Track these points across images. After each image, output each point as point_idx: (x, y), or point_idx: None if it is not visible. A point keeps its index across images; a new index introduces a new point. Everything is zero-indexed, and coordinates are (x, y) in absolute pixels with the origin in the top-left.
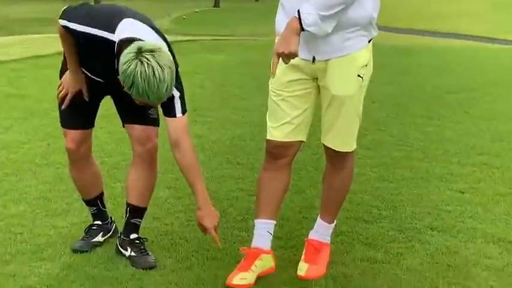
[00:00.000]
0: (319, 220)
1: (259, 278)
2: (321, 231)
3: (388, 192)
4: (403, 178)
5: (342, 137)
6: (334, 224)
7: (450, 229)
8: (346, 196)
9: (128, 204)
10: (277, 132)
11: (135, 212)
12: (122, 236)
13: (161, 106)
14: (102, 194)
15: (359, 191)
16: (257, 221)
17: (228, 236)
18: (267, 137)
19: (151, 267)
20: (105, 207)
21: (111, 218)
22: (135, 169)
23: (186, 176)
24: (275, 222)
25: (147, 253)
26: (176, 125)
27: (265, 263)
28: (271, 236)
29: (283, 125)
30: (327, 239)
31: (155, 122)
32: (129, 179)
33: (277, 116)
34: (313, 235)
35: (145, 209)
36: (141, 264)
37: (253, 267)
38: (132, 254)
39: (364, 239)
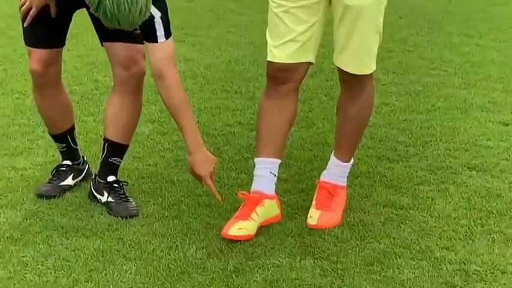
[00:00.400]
0: (333, 158)
1: (261, 229)
2: (336, 171)
3: (417, 126)
4: (436, 108)
5: (358, 57)
6: (351, 163)
7: (491, 168)
8: (366, 130)
9: (106, 141)
10: (279, 52)
11: (115, 149)
12: (97, 179)
13: (139, 29)
14: (73, 128)
15: (382, 125)
16: (258, 160)
17: (224, 178)
18: (268, 59)
19: (132, 216)
20: (76, 145)
21: (83, 157)
22: (116, 98)
23: (173, 117)
24: (280, 161)
25: (127, 199)
26: (158, 52)
27: (268, 210)
28: (275, 178)
29: (286, 43)
30: (343, 181)
31: (142, 39)
32: (108, 110)
33: (279, 32)
34: (326, 177)
35: (126, 146)
36: (119, 212)
37: (253, 215)
38: (110, 199)
39: (387, 181)
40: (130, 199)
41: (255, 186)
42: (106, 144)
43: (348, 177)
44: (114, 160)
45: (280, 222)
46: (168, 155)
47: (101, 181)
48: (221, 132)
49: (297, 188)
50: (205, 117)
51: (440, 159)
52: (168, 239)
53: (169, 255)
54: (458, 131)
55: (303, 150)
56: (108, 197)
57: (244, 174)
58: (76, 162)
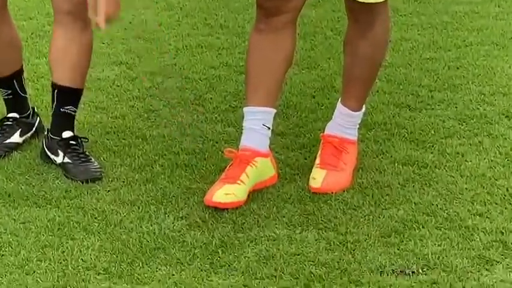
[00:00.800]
0: (340, 107)
1: (252, 194)
2: (344, 122)
3: (444, 65)
4: (467, 44)
5: None
6: (362, 111)
7: None
8: (380, 71)
9: (54, 86)
10: None
11: (65, 96)
12: (50, 135)
13: None
14: (20, 71)
15: (401, 65)
16: (248, 110)
17: (207, 133)
18: None
19: (93, 179)
20: (25, 93)
21: (33, 108)
22: (61, 31)
23: None
24: (275, 110)
25: (88, 159)
26: None
27: (261, 170)
28: (269, 132)
29: None
30: (353, 135)
31: None
32: (52, 47)
33: None
34: (332, 129)
35: (79, 91)
36: (78, 174)
37: (243, 177)
38: (66, 160)
39: (408, 134)
40: (92, 159)
41: (244, 142)
42: (55, 91)
43: (359, 129)
44: (67, 109)
45: (276, 185)
46: (139, 105)
47: (55, 137)
48: (203, 76)
49: (296, 143)
50: (184, 58)
51: (472, 106)
52: (139, 207)
53: (141, 227)
54: (494, 72)
55: (303, 97)
56: (64, 157)
57: (232, 128)
58: (24, 114)
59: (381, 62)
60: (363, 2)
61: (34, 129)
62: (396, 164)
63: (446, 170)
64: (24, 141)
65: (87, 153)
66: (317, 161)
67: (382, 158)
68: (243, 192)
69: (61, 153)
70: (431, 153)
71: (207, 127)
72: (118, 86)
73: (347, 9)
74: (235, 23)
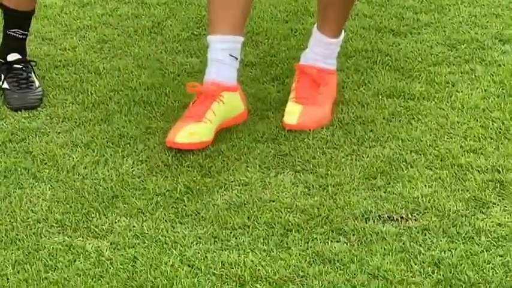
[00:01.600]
0: (316, 34)
1: (220, 133)
2: (321, 51)
3: None
4: None
5: None
6: (341, 38)
7: None
8: None
9: (3, 8)
10: None
11: (11, 17)
12: None
13: None
14: None
15: None
16: (212, 39)
17: (168, 64)
18: None
19: (29, 107)
20: None
21: None
22: None
23: None
24: (242, 38)
25: (29, 85)
26: None
27: (229, 106)
28: (237, 62)
29: None
30: (332, 64)
31: None
32: None
33: None
34: (308, 59)
35: (26, 13)
36: (13, 101)
37: (209, 114)
38: (5, 85)
39: (392, 62)
40: (35, 85)
41: (209, 75)
42: (3, 11)
43: (337, 57)
44: (14, 32)
45: (246, 122)
46: (90, 35)
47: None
48: (161, 0)
49: (268, 75)
50: None
51: (462, 30)
52: (93, 150)
53: (97, 173)
54: None
55: (275, 22)
56: (3, 82)
57: (195, 58)
58: None
59: None
60: None
61: None
62: (380, 96)
63: (435, 102)
64: None
65: (33, 78)
66: (292, 94)
67: (364, 89)
68: (210, 131)
69: (2, 78)
70: (419, 83)
71: (167, 58)
72: (67, 13)
73: None
74: None
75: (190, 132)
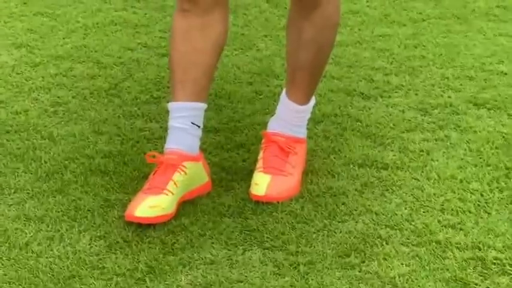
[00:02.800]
0: (285, 100)
1: (183, 205)
2: (291, 119)
3: (400, 44)
4: (424, 17)
5: None
6: (312, 104)
7: (508, 105)
8: (329, 56)
9: None
10: None
11: None
12: None
13: None
14: None
15: (350, 43)
16: (173, 106)
17: (126, 130)
18: None
19: None
20: None
21: None
22: None
23: None
24: (205, 105)
25: None
26: None
27: (191, 177)
28: (199, 130)
29: None
30: (302, 132)
31: None
32: None
33: None
34: (276, 126)
35: None
36: None
37: (170, 185)
38: None
39: (363, 128)
40: None
41: (170, 144)
42: None
43: (307, 124)
44: None
45: (210, 194)
46: (43, 97)
47: None
48: (119, 60)
49: (232, 142)
50: (96, 38)
51: (435, 93)
52: (48, 225)
53: (51, 250)
54: (457, 51)
55: (238, 84)
56: None
57: (155, 123)
58: None
59: (331, 47)
60: None
61: None
62: (351, 166)
63: (410, 172)
64: None
65: None
66: (259, 164)
67: (334, 158)
68: (171, 204)
69: None
70: (392, 151)
71: (125, 123)
72: (18, 73)
73: None
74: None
75: (151, 206)
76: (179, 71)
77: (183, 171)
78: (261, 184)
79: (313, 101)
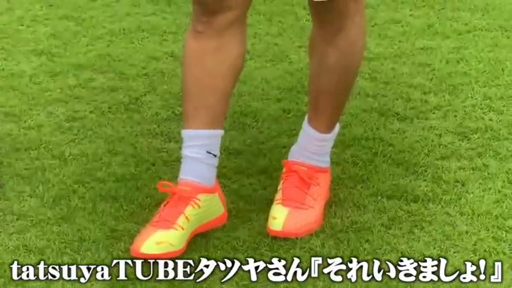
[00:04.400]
0: (307, 128)
1: (195, 239)
2: (312, 148)
3: (442, 58)
4: (470, 29)
5: None
6: (336, 131)
7: None
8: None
9: None
10: None
11: None
12: None
13: None
14: None
15: (389, 56)
16: (187, 134)
17: (142, 150)
18: None
19: None
20: None
21: None
22: None
23: None
24: (222, 131)
25: None
26: None
27: (206, 210)
28: (216, 159)
29: None
30: (324, 162)
31: None
32: None
33: None
34: (298, 155)
35: None
36: None
37: (181, 220)
38: None
39: (395, 154)
40: None
41: (184, 175)
42: None
43: (334, 148)
44: None
45: (225, 226)
46: (59, 111)
47: None
48: (142, 70)
49: (254, 166)
50: (121, 46)
51: (476, 115)
52: (49, 258)
53: (49, 287)
54: (502, 67)
55: (266, 101)
56: None
57: (174, 143)
58: None
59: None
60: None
61: None
62: (379, 197)
63: (442, 205)
64: None
65: None
66: (278, 195)
67: (362, 187)
68: (181, 240)
69: None
70: (424, 180)
71: (143, 142)
72: (36, 83)
73: (310, 10)
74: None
75: (157, 242)
76: (193, 97)
77: (196, 204)
78: (279, 218)
79: (337, 128)
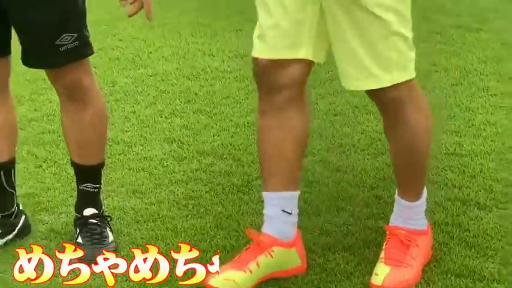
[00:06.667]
0: (398, 199)
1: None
2: (405, 215)
3: None
4: None
5: (374, 65)
6: (424, 198)
7: None
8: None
9: (73, 164)
10: (261, 43)
11: (83, 173)
12: (74, 211)
13: None
14: (12, 161)
15: (479, 153)
16: (265, 195)
17: (245, 226)
18: (253, 54)
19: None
20: (13, 187)
21: (18, 205)
22: (65, 112)
23: None
24: (296, 193)
25: (103, 239)
26: None
27: (278, 261)
28: (292, 217)
29: (267, 30)
30: (420, 224)
31: (73, 54)
32: (63, 129)
33: (261, 16)
34: (395, 220)
35: (92, 168)
36: (88, 255)
37: (252, 265)
38: (79, 240)
39: (470, 238)
40: (108, 240)
41: (265, 228)
42: (74, 169)
43: (426, 213)
44: (85, 187)
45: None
46: (179, 190)
47: (77, 215)
48: (257, 158)
49: (341, 244)
50: (242, 137)
51: None
52: None
53: None
54: None
55: (361, 189)
56: (78, 237)
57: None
58: (7, 213)
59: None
60: (379, 92)
61: (16, 230)
62: (449, 275)
63: (506, 286)
64: (5, 243)
65: (106, 232)
66: (382, 254)
67: (434, 266)
68: (247, 281)
69: (77, 231)
70: (492, 262)
71: (247, 219)
72: (164, 166)
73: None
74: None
75: (225, 278)
76: (266, 165)
77: (270, 254)
78: (380, 275)
79: (424, 195)
